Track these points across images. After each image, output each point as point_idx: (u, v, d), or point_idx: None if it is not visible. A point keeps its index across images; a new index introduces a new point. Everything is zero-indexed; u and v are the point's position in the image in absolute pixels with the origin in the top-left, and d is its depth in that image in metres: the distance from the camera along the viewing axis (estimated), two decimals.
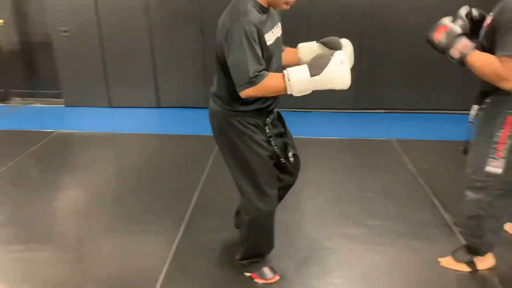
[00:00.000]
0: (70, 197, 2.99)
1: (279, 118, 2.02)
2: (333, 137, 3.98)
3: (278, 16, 1.86)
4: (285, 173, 2.08)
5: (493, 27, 1.74)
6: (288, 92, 1.64)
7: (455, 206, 2.70)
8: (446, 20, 1.86)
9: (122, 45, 4.67)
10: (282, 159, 1.94)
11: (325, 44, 1.90)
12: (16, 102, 5.14)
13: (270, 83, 1.64)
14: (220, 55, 1.72)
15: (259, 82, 1.61)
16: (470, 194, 2.01)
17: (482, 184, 1.94)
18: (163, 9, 4.52)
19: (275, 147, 1.90)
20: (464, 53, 1.77)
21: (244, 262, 2.10)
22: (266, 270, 2.10)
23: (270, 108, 1.87)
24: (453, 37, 1.80)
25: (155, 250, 2.36)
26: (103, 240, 2.46)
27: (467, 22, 1.88)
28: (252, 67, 1.60)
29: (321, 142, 3.88)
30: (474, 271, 2.13)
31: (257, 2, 1.68)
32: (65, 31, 4.62)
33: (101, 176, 3.27)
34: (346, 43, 1.87)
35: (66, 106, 4.95)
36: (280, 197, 2.13)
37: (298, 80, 1.61)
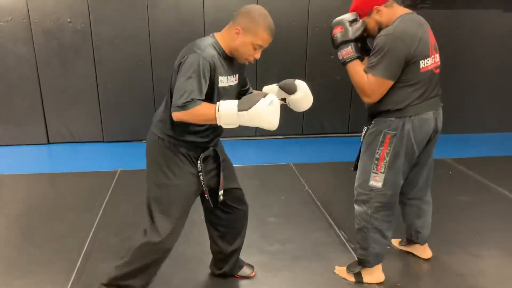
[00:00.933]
0: None
1: (216, 155, 2.03)
2: (236, 165, 4.02)
3: (238, 67, 1.96)
4: (221, 210, 2.13)
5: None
6: (217, 123, 1.72)
7: (348, 224, 2.88)
8: (347, 22, 2.03)
9: (2, 77, 4.28)
10: (206, 196, 1.98)
11: (281, 86, 2.04)
12: None
13: (201, 110, 1.71)
14: (172, 82, 1.82)
15: (190, 108, 1.69)
16: (357, 207, 2.19)
17: (366, 197, 2.13)
18: (49, 41, 4.26)
19: (203, 183, 1.93)
20: (345, 59, 2.01)
21: (113, 284, 1.98)
22: None
23: (208, 145, 1.95)
24: (342, 41, 2.01)
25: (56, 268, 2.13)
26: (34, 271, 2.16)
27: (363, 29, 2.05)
28: (192, 94, 1.69)
29: None
30: (360, 282, 2.28)
31: (220, 46, 1.82)
32: None
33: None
34: (300, 84, 2.02)
35: None
36: (231, 235, 2.20)
37: (226, 112, 1.70)
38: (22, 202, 3.28)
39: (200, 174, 1.92)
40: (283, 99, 2.05)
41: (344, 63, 2.03)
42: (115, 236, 2.72)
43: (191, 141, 1.88)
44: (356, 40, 2.03)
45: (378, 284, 2.28)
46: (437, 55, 2.05)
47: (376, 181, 2.08)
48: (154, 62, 4.46)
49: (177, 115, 1.73)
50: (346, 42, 2.01)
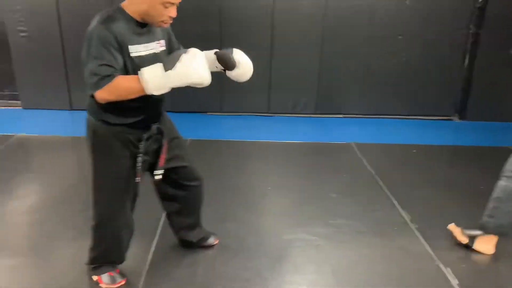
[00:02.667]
0: (36, 203, 2.92)
1: (160, 133, 1.95)
2: (296, 141, 4.16)
3: (164, 34, 1.89)
4: (174, 188, 2.13)
5: None
6: (146, 92, 1.61)
7: (411, 205, 2.95)
8: None
9: None
10: (137, 179, 1.91)
11: (218, 59, 1.92)
12: None
13: (124, 84, 1.63)
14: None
15: (106, 84, 1.59)
16: (501, 182, 2.32)
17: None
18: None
19: (138, 166, 1.87)
20: None
21: (91, 266, 2.13)
22: (112, 274, 2.11)
23: (146, 123, 1.86)
24: None
25: (133, 252, 2.38)
26: (76, 245, 2.44)
27: None
28: (100, 69, 1.59)
29: (285, 146, 4.05)
30: (470, 246, 2.42)
31: (128, 14, 1.70)
32: (23, 31, 4.48)
33: (65, 180, 3.23)
34: (241, 59, 1.91)
35: (24, 108, 4.79)
36: (187, 209, 2.24)
37: (152, 76, 1.59)
38: None
39: (139, 156, 1.85)
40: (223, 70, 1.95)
41: None
42: None
43: (126, 124, 1.80)
44: None
45: (443, 261, 2.35)
46: None
47: None
48: (224, 37, 4.60)
49: (98, 96, 1.64)
50: None
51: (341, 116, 4.95)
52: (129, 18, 1.71)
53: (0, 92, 4.89)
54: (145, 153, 1.90)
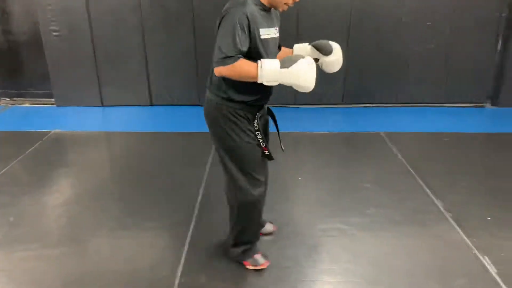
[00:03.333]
0: (75, 196, 3.03)
1: (271, 114, 2.17)
2: (325, 132, 4.16)
3: (278, 21, 2.04)
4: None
5: None
6: (259, 80, 1.79)
7: (444, 193, 2.92)
8: None
9: (114, 44, 4.70)
10: (266, 151, 2.07)
11: (317, 47, 2.08)
12: (5, 102, 5.09)
13: (244, 67, 1.78)
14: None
15: (230, 63, 1.76)
16: None
17: None
18: (155, 8, 4.57)
19: (261, 140, 2.03)
20: None
21: (237, 249, 2.22)
22: (257, 257, 2.22)
23: (260, 103, 2.01)
24: None
25: (170, 245, 2.46)
26: (116, 235, 2.54)
27: None
28: (229, 48, 1.75)
29: (314, 137, 4.05)
30: None
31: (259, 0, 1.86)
32: (55, 31, 4.61)
33: (101, 174, 3.34)
34: (335, 46, 2.07)
35: (57, 105, 4.94)
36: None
37: (269, 69, 1.77)
38: (132, 157, 3.66)
39: (258, 132, 2.01)
40: (316, 59, 2.03)
41: None
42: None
43: (245, 101, 1.94)
44: None
45: (480, 250, 2.33)
46: None
47: None
48: None
49: (218, 70, 1.80)
50: None
51: (369, 105, 4.91)
52: (258, 3, 1.86)
53: (35, 90, 5.05)
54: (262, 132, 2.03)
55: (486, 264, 2.25)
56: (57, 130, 4.19)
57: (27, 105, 5.04)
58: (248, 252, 2.23)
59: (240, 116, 1.97)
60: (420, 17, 4.52)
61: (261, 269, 2.21)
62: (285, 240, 2.45)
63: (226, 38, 1.76)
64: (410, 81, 4.79)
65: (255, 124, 2.00)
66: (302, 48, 2.14)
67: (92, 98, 4.89)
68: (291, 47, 2.17)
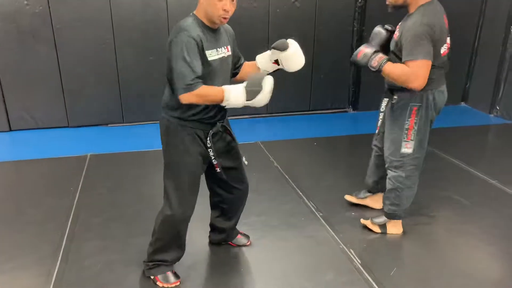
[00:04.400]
0: None
1: (226, 131, 2.16)
2: None
3: (229, 39, 2.06)
4: (222, 188, 2.28)
5: (400, 41, 2.27)
6: (223, 104, 1.90)
7: (315, 195, 3.14)
8: (362, 46, 2.37)
9: None
10: (218, 169, 2.10)
11: (274, 47, 2.06)
12: None
13: (210, 93, 1.86)
14: (167, 68, 1.91)
15: (196, 89, 1.82)
16: (391, 172, 2.54)
17: (399, 163, 2.48)
18: (6, 24, 4.13)
19: (212, 157, 2.06)
20: (380, 62, 2.28)
21: (150, 263, 2.19)
22: (169, 274, 2.19)
23: (212, 120, 2.03)
24: (370, 54, 2.31)
25: (33, 285, 2.20)
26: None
27: (385, 36, 2.40)
28: (189, 75, 1.81)
29: None
30: (384, 233, 2.66)
31: (199, 20, 1.90)
32: None
33: None
34: (291, 41, 2.06)
35: None
36: (232, 212, 2.39)
37: (235, 100, 1.88)
38: None
39: (209, 149, 2.04)
40: (276, 62, 2.11)
41: (381, 66, 2.27)
42: (96, 217, 2.81)
43: (196, 120, 1.98)
44: (380, 49, 2.34)
45: (347, 244, 2.54)
46: (449, 39, 2.35)
47: (408, 148, 2.43)
48: (118, 45, 4.44)
49: (184, 98, 1.84)
50: (373, 53, 2.29)
51: (247, 117, 5.07)
52: (202, 24, 1.89)
53: None
54: (214, 150, 2.06)
55: (352, 257, 2.45)
56: None
57: None
58: (160, 268, 2.19)
59: (189, 134, 1.99)
60: (285, 31, 4.83)
61: None
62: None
63: (183, 65, 1.80)
64: (282, 91, 5.07)
65: (208, 142, 2.02)
66: (264, 57, 2.15)
67: None
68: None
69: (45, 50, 4.28)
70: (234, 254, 2.48)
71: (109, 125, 4.67)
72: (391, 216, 2.63)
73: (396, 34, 2.35)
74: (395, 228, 2.67)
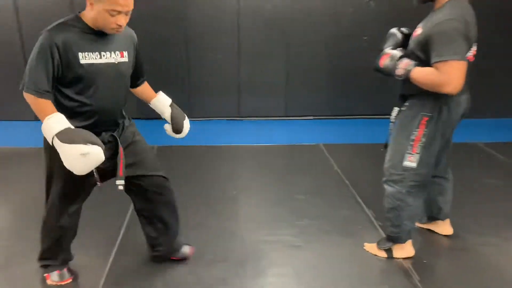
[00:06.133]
0: None
1: (114, 141, 1.96)
2: (265, 144, 4.16)
3: (128, 45, 1.92)
4: (141, 197, 2.12)
5: (425, 39, 1.98)
6: (42, 127, 1.71)
7: (376, 203, 2.97)
8: (387, 49, 2.14)
9: None
10: (98, 184, 1.93)
11: (173, 120, 2.15)
12: None
13: (38, 107, 1.71)
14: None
15: (28, 93, 1.70)
16: (388, 188, 2.27)
17: (399, 177, 2.21)
18: None
19: (94, 171, 1.83)
20: (407, 69, 2.02)
21: (39, 262, 2.17)
22: (59, 272, 2.15)
23: (96, 129, 1.84)
24: (395, 60, 2.06)
25: (91, 265, 2.33)
26: (33, 259, 2.36)
27: (400, 39, 2.16)
28: (36, 78, 1.69)
29: (253, 149, 4.04)
30: (390, 257, 2.38)
31: (83, 22, 1.76)
32: None
33: (27, 193, 3.13)
34: (186, 129, 2.19)
35: None
36: (158, 221, 2.18)
37: (47, 126, 1.68)
38: None
39: None
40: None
41: (408, 73, 2.02)
42: None
43: (80, 126, 1.78)
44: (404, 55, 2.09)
45: (404, 259, 2.37)
46: (475, 45, 2.08)
47: (411, 161, 2.16)
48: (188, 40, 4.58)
49: (24, 95, 1.73)
50: (398, 60, 2.06)
51: (310, 117, 4.98)
52: (84, 26, 1.75)
53: None
54: None
55: (410, 272, 2.28)
56: None
57: None
58: (50, 267, 2.16)
59: None
60: (356, 31, 4.67)
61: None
62: (211, 257, 2.38)
63: (31, 66, 1.70)
64: (348, 93, 4.92)
65: None
66: (162, 103, 2.18)
67: (27, 113, 4.56)
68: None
69: None
70: (284, 256, 2.42)
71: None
72: (393, 239, 2.36)
73: (418, 31, 2.06)
74: (402, 251, 2.37)
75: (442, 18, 1.94)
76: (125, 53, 1.90)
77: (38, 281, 2.19)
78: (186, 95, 4.71)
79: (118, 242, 2.53)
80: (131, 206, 2.87)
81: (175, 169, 3.52)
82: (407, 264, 2.34)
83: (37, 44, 1.70)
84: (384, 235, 2.54)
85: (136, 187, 2.08)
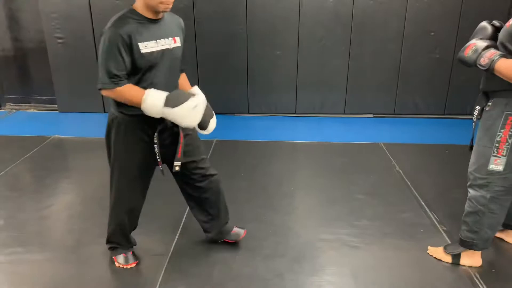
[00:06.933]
0: (67, 201, 3.05)
1: (176, 126, 2.03)
2: (323, 142, 4.11)
3: (179, 31, 2.00)
4: (188, 184, 2.24)
5: None
6: (142, 109, 1.82)
7: (439, 207, 2.84)
8: (474, 39, 2.02)
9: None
10: (160, 166, 2.04)
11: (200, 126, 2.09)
12: (10, 107, 5.18)
13: (128, 94, 1.81)
14: None
15: (113, 88, 1.80)
16: (472, 192, 2.14)
17: (484, 182, 2.08)
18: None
19: (157, 154, 1.99)
20: (492, 59, 1.89)
21: (107, 245, 2.31)
22: (125, 256, 2.28)
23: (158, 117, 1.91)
24: (481, 49, 1.94)
25: (154, 250, 2.43)
26: (101, 242, 2.52)
27: (490, 32, 2.01)
28: (109, 72, 1.78)
29: (311, 146, 4.00)
30: (456, 263, 2.27)
31: (137, 12, 1.84)
32: (60, 38, 4.69)
33: (97, 180, 3.33)
34: (211, 127, 2.10)
35: (60, 111, 5.00)
36: (208, 204, 2.30)
37: (152, 104, 1.80)
38: None
39: (155, 145, 1.98)
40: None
41: (493, 63, 1.88)
42: None
43: (141, 114, 1.87)
44: (492, 46, 1.95)
45: (471, 267, 2.25)
46: None
47: (497, 165, 2.02)
48: (250, 37, 4.63)
49: (104, 93, 1.84)
50: (484, 49, 1.93)
51: (370, 116, 4.84)
52: (139, 16, 1.83)
53: (39, 96, 5.14)
54: (161, 146, 2.00)
55: (476, 281, 2.16)
56: (57, 136, 4.23)
57: (32, 110, 5.12)
58: (117, 250, 2.29)
59: (135, 129, 1.96)
60: (423, 28, 4.47)
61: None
62: (268, 251, 2.41)
63: (105, 61, 1.78)
64: (412, 92, 4.72)
65: (155, 139, 1.97)
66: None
67: (95, 105, 4.93)
68: None
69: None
70: (341, 255, 2.39)
71: (235, 114, 4.91)
72: (467, 245, 2.21)
73: (511, 22, 1.90)
74: (471, 259, 2.24)
75: None
76: (177, 39, 1.98)
77: (106, 262, 2.33)
78: (246, 93, 4.77)
79: (180, 228, 2.63)
80: None
81: (232, 163, 3.58)
82: (474, 273, 2.21)
83: (103, 41, 1.79)
84: (448, 241, 2.43)
85: (187, 173, 2.17)
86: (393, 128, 4.52)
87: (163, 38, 1.90)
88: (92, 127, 4.59)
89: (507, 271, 2.26)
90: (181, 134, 2.03)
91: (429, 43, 4.52)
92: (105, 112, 4.95)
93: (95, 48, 4.70)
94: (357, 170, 3.47)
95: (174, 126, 2.02)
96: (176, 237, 2.54)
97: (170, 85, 1.98)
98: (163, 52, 1.90)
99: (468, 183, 2.17)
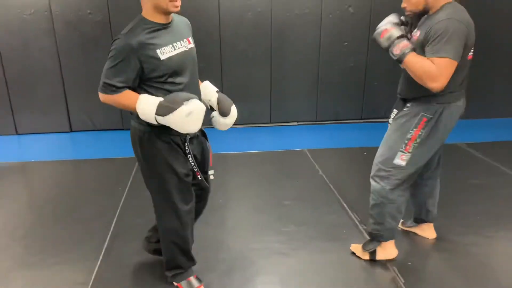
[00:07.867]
0: None
1: (204, 135, 2.10)
2: (252, 151, 4.16)
3: (188, 30, 2.00)
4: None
5: (425, 36, 1.97)
6: (140, 116, 1.80)
7: (360, 207, 2.99)
8: (389, 24, 2.07)
9: (26, 68, 4.44)
10: (199, 176, 2.01)
11: (219, 103, 2.09)
12: None
13: (123, 101, 1.79)
14: None
15: (109, 94, 1.78)
16: (374, 183, 2.28)
17: (386, 174, 2.22)
18: (70, 32, 4.40)
19: (193, 164, 1.96)
20: (404, 51, 1.99)
21: (169, 273, 2.19)
22: (190, 280, 2.18)
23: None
24: (394, 38, 2.02)
25: (74, 280, 2.29)
26: (15, 276, 2.33)
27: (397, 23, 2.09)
28: (108, 79, 1.76)
29: (240, 157, 4.04)
30: (373, 259, 2.40)
31: (146, 20, 1.80)
32: None
33: (10, 209, 3.09)
34: (233, 114, 2.10)
35: None
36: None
37: (143, 112, 1.77)
38: (49, 188, 3.45)
39: (188, 156, 1.94)
40: (212, 108, 2.12)
41: (403, 55, 1.98)
42: (139, 218, 2.86)
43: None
44: (406, 36, 2.06)
45: (389, 261, 2.39)
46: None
47: (402, 160, 2.17)
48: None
49: (101, 98, 1.82)
50: (399, 38, 2.02)
51: (295, 123, 5.00)
52: (151, 24, 1.79)
53: None
54: (192, 156, 1.97)
55: (395, 275, 2.30)
56: None
57: None
58: (181, 275, 2.17)
59: (162, 141, 1.88)
60: (338, 38, 4.72)
61: None
62: (197, 267, 2.36)
63: (109, 68, 1.76)
64: (330, 99, 4.96)
65: (186, 148, 1.93)
66: (209, 91, 2.11)
67: (5, 126, 4.57)
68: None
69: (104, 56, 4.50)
70: (271, 263, 2.42)
71: None
72: (374, 236, 2.37)
73: (416, 35, 2.05)
74: (385, 252, 2.39)
75: (444, 16, 1.94)
76: (191, 39, 1.97)
77: None
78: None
79: (101, 254, 2.49)
80: (115, 219, 2.86)
81: None
82: (392, 267, 2.35)
83: (112, 50, 1.75)
84: (368, 238, 2.57)
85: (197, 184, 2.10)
86: (315, 135, 4.71)
87: (178, 41, 1.87)
88: (4, 150, 4.25)
89: (421, 263, 2.44)
90: (207, 142, 2.07)
91: (343, 52, 4.78)
92: (17, 133, 4.61)
93: (1, 64, 4.37)
94: (284, 177, 3.56)
95: (202, 135, 2.05)
96: (98, 264, 2.42)
97: (194, 87, 1.95)
98: (181, 55, 1.87)
99: (372, 174, 2.31)
